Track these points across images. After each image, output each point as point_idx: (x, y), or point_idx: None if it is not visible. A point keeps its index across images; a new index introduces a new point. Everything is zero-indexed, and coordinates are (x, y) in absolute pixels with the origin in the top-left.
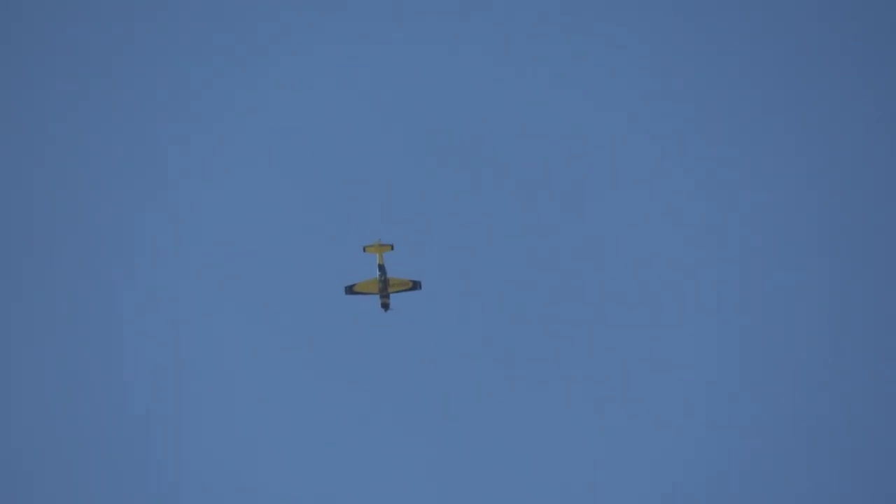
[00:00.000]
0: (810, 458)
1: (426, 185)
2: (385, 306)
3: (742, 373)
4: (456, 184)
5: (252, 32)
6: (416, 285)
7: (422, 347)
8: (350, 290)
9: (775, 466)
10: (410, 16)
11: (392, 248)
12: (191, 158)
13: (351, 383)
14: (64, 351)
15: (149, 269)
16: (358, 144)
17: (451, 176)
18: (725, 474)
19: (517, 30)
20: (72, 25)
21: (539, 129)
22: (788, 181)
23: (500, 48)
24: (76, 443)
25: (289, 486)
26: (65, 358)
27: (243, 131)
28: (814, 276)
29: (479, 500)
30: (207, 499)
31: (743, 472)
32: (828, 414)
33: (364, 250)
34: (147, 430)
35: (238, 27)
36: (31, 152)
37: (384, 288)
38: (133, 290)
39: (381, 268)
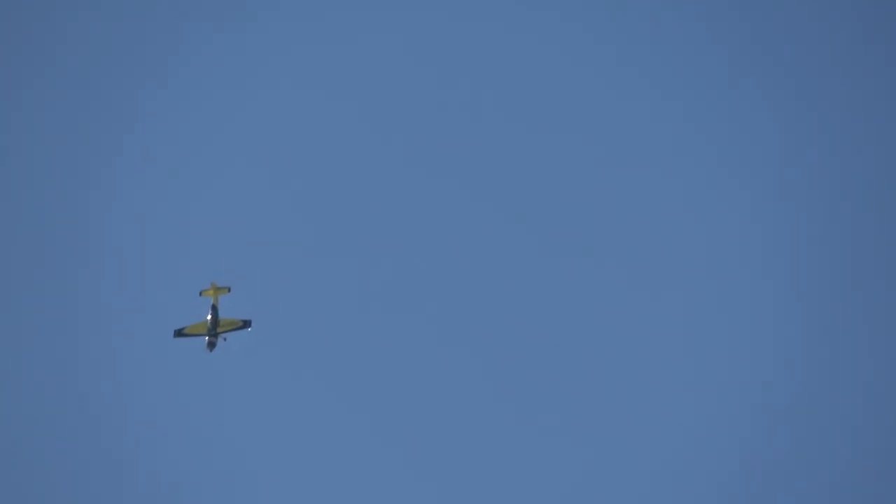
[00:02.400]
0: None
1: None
2: (211, 345)
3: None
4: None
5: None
6: (246, 324)
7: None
8: (179, 333)
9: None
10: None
11: (229, 290)
12: (178, 159)
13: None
14: (45, 349)
15: (128, 269)
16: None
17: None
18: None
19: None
20: (50, 19)
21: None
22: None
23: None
24: (58, 443)
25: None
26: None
27: (229, 128)
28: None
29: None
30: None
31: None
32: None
33: (200, 294)
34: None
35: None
36: (9, 150)
37: (213, 328)
38: (112, 290)
39: (214, 308)
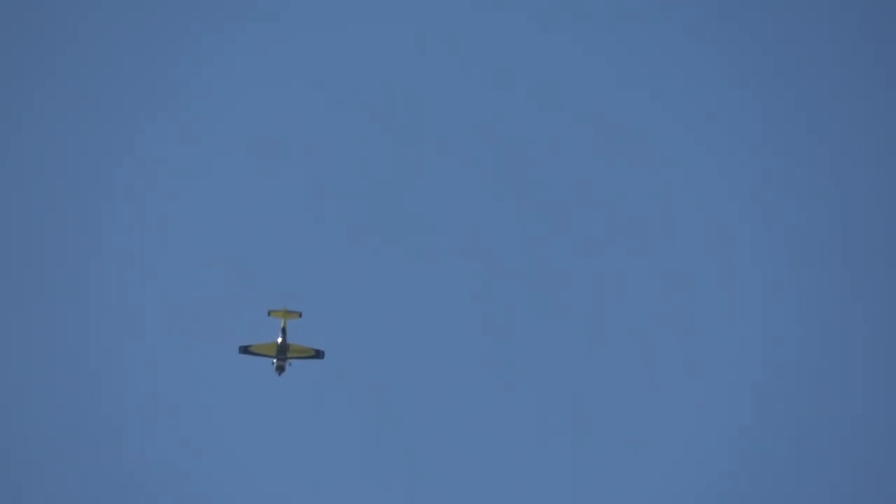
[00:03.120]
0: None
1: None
2: (280, 369)
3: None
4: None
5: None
6: (318, 354)
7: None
8: (245, 349)
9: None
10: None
11: (300, 315)
12: (167, 154)
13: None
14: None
15: (120, 266)
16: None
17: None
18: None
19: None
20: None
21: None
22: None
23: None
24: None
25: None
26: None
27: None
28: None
29: None
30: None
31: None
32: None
33: (269, 314)
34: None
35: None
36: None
37: (283, 352)
38: (103, 284)
39: (284, 332)
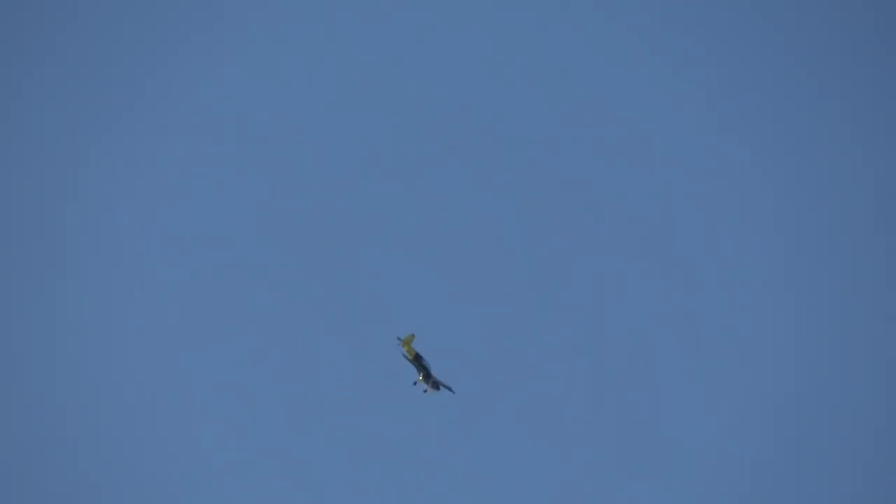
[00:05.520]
0: None
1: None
2: (435, 385)
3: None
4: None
5: None
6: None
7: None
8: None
9: None
10: None
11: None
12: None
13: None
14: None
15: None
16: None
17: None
18: None
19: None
20: None
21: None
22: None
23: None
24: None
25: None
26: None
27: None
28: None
29: None
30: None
31: None
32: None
33: (398, 340)
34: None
35: None
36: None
37: (427, 372)
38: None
39: (419, 357)
